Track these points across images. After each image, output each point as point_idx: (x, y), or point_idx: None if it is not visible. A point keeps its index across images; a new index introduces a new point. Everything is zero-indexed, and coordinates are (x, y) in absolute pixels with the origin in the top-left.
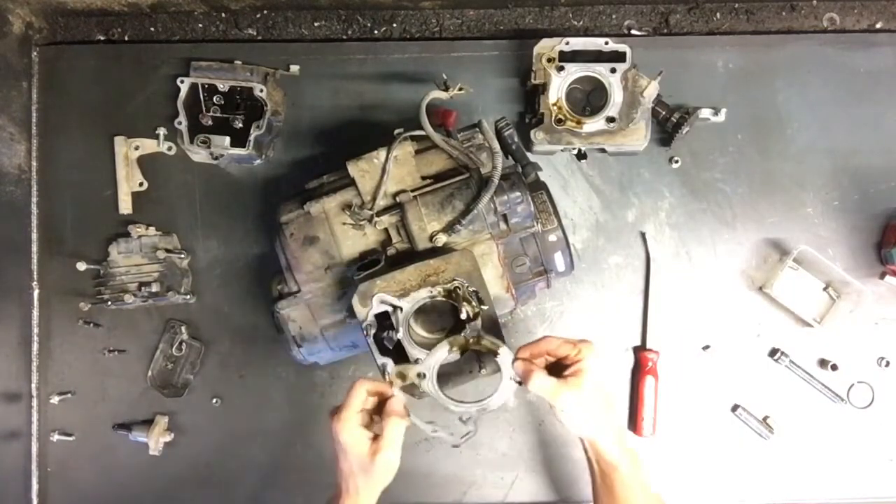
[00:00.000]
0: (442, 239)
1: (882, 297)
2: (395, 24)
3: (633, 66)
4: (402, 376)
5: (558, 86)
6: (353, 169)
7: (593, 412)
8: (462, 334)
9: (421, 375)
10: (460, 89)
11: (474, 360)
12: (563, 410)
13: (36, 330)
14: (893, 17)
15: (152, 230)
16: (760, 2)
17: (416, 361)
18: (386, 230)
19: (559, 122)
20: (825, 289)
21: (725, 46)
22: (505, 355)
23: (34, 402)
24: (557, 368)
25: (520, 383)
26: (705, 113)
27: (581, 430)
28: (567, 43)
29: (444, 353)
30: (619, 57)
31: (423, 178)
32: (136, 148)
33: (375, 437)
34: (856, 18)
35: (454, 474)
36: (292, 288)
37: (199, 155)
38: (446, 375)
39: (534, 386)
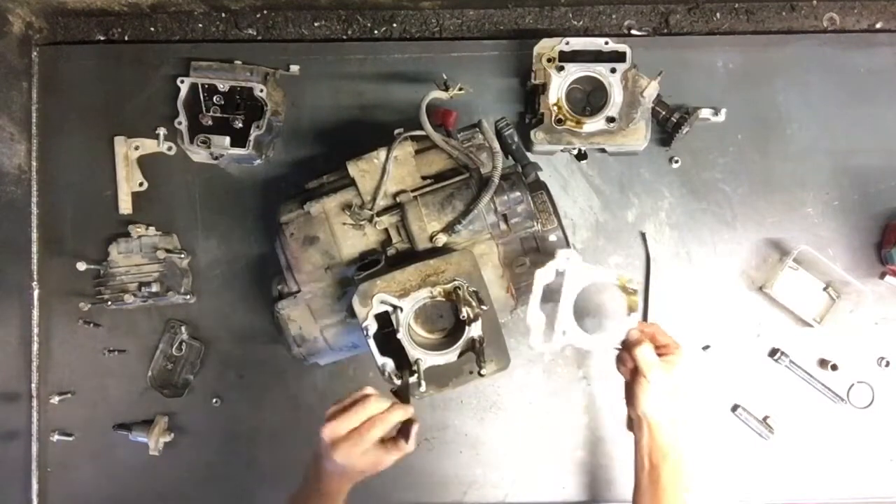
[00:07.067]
0: (442, 239)
1: (882, 297)
2: (395, 24)
3: (633, 66)
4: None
5: (558, 86)
6: (353, 169)
7: (668, 399)
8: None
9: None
10: (460, 89)
11: (474, 360)
12: (651, 383)
13: (36, 330)
14: (893, 17)
15: (152, 230)
16: (760, 2)
17: (417, 362)
18: (386, 230)
19: (559, 122)
20: (825, 289)
21: (725, 46)
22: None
23: (34, 402)
24: None
25: (621, 349)
26: (705, 113)
27: (651, 409)
28: (567, 43)
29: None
30: (619, 57)
31: (423, 178)
32: (136, 148)
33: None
34: (856, 18)
35: (454, 474)
36: (292, 288)
37: (199, 155)
38: (446, 376)
39: (640, 353)
